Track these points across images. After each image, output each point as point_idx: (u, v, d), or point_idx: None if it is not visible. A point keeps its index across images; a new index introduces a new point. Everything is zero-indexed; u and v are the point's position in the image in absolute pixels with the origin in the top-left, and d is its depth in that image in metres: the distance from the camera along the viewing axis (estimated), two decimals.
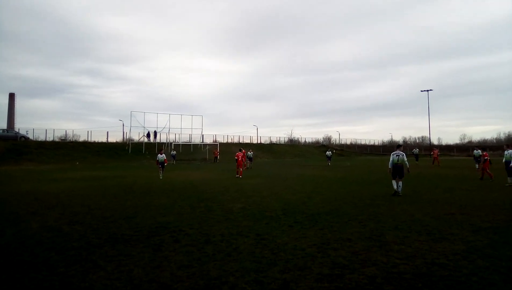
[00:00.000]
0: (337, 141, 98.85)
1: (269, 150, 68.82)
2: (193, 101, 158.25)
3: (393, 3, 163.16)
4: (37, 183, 18.04)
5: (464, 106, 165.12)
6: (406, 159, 12.44)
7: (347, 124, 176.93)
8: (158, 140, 56.40)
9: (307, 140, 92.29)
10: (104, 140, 55.10)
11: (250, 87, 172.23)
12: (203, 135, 60.98)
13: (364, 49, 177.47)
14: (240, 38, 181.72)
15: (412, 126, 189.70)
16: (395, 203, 10.59)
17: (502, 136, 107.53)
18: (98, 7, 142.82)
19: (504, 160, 15.65)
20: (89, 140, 54.15)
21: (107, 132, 55.89)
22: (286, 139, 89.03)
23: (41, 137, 50.91)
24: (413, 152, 44.49)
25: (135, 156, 48.54)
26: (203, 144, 58.68)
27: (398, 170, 12.35)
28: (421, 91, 68.14)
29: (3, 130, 48.25)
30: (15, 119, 72.57)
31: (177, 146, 53.19)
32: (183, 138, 58.67)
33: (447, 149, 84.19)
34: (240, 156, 22.79)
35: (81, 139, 56.41)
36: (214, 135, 67.07)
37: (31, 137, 49.89)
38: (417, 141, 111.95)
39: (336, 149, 79.64)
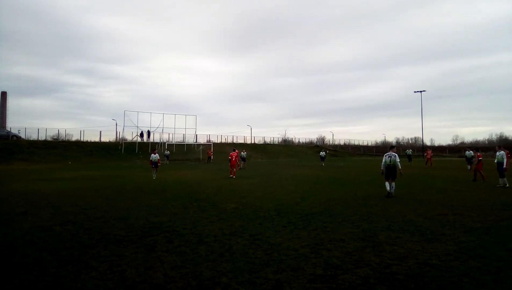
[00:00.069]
0: (331, 142, 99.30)
1: (263, 150, 68.88)
2: (187, 101, 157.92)
3: (387, 5, 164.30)
4: (29, 183, 17.85)
5: (457, 107, 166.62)
6: (398, 161, 12.42)
7: (341, 124, 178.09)
8: (151, 140, 56.20)
9: (301, 141, 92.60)
10: (97, 139, 54.85)
11: (245, 88, 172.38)
12: (196, 135, 60.91)
13: (358, 50, 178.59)
14: (235, 38, 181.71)
15: (405, 127, 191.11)
16: (388, 204, 10.65)
17: (494, 137, 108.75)
18: (92, 7, 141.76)
19: (495, 161, 15.82)
20: (82, 139, 53.92)
21: (100, 132, 55.65)
22: (280, 140, 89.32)
23: (33, 137, 50.53)
24: (406, 153, 44.77)
25: (128, 156, 48.31)
26: (196, 144, 58.54)
27: (391, 171, 12.37)
28: (415, 92, 68.76)
29: None
30: (6, 118, 71.88)
31: (170, 146, 53.02)
32: (177, 138, 58.56)
33: (439, 150, 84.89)
34: (234, 156, 22.76)
35: (74, 138, 56.18)
36: (208, 135, 67.09)
37: (23, 136, 49.44)
38: (410, 142, 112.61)
39: (329, 150, 79.94)
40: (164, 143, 52.88)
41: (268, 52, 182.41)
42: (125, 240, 6.56)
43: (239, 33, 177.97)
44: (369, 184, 16.83)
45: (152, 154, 22.20)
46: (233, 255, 5.60)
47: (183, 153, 53.37)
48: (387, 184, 12.32)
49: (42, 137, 50.95)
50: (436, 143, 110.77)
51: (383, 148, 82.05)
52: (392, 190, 12.23)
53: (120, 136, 56.26)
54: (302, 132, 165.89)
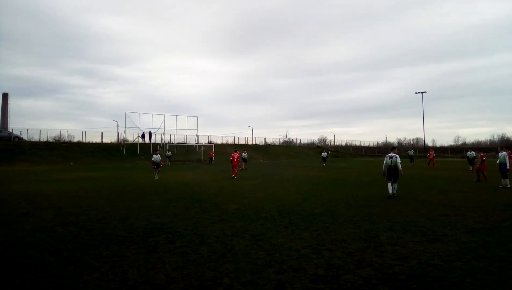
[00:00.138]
0: (332, 143, 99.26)
1: (264, 151, 68.89)
2: (188, 102, 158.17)
3: (387, 5, 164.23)
4: (31, 184, 17.88)
5: (458, 108, 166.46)
6: (399, 162, 12.36)
7: (342, 125, 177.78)
8: (153, 141, 56.24)
9: (302, 141, 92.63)
10: (98, 140, 54.98)
11: (246, 88, 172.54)
12: (198, 136, 61.01)
13: (358, 50, 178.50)
14: (235, 38, 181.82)
15: (407, 128, 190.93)
16: (390, 204, 10.63)
17: (496, 137, 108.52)
18: (92, 7, 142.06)
19: (498, 161, 15.79)
20: (84, 140, 53.93)
21: (102, 133, 55.91)
22: (281, 140, 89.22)
23: (35, 138, 50.61)
24: (408, 154, 44.74)
25: (129, 157, 48.36)
26: (198, 145, 58.58)
27: (392, 172, 12.32)
28: (416, 93, 68.77)
29: None
30: (8, 119, 71.96)
31: (172, 147, 53.04)
32: (178, 139, 58.58)
33: (441, 151, 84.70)
34: (235, 157, 22.77)
35: (75, 139, 56.15)
36: (209, 136, 67.16)
37: (24, 137, 49.51)
38: (412, 142, 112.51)
39: (331, 150, 79.88)
40: (166, 144, 52.92)
41: (268, 52, 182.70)
42: (127, 241, 6.56)
43: (239, 33, 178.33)
44: (370, 185, 16.81)
45: (154, 155, 22.28)
46: (235, 255, 5.60)
47: (184, 154, 53.44)
48: (389, 185, 12.26)
49: (43, 138, 51.13)
50: (438, 144, 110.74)
51: (384, 149, 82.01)
52: (394, 191, 12.20)
53: (122, 137, 56.39)
54: (303, 133, 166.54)
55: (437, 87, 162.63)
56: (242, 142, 73.05)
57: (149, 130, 55.46)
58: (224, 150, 55.73)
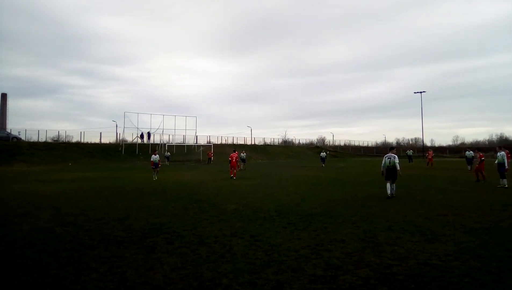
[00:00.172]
0: (331, 143, 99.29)
1: (263, 151, 68.91)
2: (188, 102, 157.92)
3: (387, 5, 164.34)
4: (29, 184, 17.85)
5: (457, 108, 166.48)
6: (398, 162, 12.34)
7: (342, 125, 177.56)
8: (151, 141, 56.21)
9: (301, 141, 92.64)
10: (97, 141, 54.85)
11: (245, 88, 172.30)
12: (197, 136, 60.95)
13: (358, 50, 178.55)
14: (235, 38, 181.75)
15: (407, 128, 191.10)
16: (388, 204, 10.65)
17: (494, 137, 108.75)
18: (92, 7, 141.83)
19: (496, 161, 15.81)
20: (82, 141, 53.87)
21: (100, 133, 55.65)
22: (280, 140, 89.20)
23: (33, 138, 50.49)
24: (407, 154, 44.82)
25: (128, 157, 48.32)
26: (197, 145, 58.54)
27: (391, 172, 12.32)
28: (415, 93, 68.96)
29: None
30: (7, 119, 71.82)
31: (171, 147, 52.98)
32: (177, 139, 58.60)
33: (439, 151, 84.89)
34: (234, 157, 22.76)
35: (74, 140, 56.09)
36: (208, 136, 67.19)
37: (23, 137, 49.37)
38: (410, 142, 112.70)
39: (330, 151, 79.94)
40: (164, 144, 52.88)
41: (268, 52, 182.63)
42: (126, 241, 6.56)
43: (239, 33, 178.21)
44: (369, 185, 16.83)
45: (153, 155, 22.25)
46: (233, 256, 5.60)
47: (183, 154, 53.39)
48: (388, 186, 12.26)
49: (42, 138, 50.98)
50: (437, 144, 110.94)
51: (383, 148, 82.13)
52: (393, 191, 12.21)
53: (120, 138, 56.34)
54: (302, 133, 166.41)
55: (437, 87, 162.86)
56: (241, 142, 73.06)
57: (147, 130, 55.50)
58: (223, 150, 55.73)
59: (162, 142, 55.24)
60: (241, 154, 33.40)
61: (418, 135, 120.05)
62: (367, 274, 4.73)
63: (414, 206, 10.35)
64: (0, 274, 4.86)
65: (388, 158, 12.47)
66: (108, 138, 58.38)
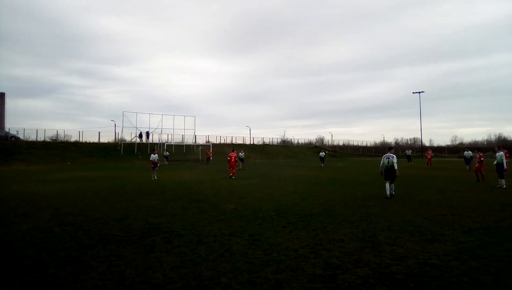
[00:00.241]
0: (330, 142, 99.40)
1: (262, 151, 68.92)
2: (188, 102, 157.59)
3: (387, 5, 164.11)
4: (28, 184, 17.83)
5: (456, 108, 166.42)
6: (396, 162, 12.34)
7: (342, 125, 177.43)
8: (150, 140, 56.18)
9: (300, 141, 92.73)
10: (96, 140, 54.82)
11: (244, 88, 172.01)
12: (196, 136, 61.03)
13: (358, 50, 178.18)
14: (235, 38, 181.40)
15: (406, 128, 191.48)
16: (388, 204, 10.66)
17: (493, 137, 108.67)
18: (92, 7, 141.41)
19: (495, 162, 15.84)
20: (81, 140, 53.83)
21: (99, 133, 55.60)
22: (279, 140, 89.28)
23: (32, 137, 50.48)
24: (406, 154, 44.86)
25: (127, 157, 48.27)
26: (196, 145, 58.56)
27: (389, 173, 12.32)
28: (413, 93, 68.97)
29: None
30: (5, 119, 71.51)
31: (169, 146, 53.02)
32: (176, 139, 58.59)
33: (438, 151, 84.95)
34: (233, 157, 22.75)
35: (73, 139, 56.06)
36: (207, 136, 67.18)
37: (21, 137, 49.30)
38: (409, 142, 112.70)
39: (329, 150, 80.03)
40: (163, 143, 52.87)
41: (268, 52, 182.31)
42: (124, 241, 6.55)
43: (239, 33, 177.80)
44: (368, 184, 16.84)
45: (152, 154, 22.23)
46: (232, 255, 5.60)
47: (182, 154, 53.36)
48: (387, 186, 12.25)
49: (40, 138, 51.00)
50: (435, 144, 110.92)
51: (382, 148, 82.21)
52: (392, 191, 12.22)
53: (119, 137, 56.32)
54: (301, 132, 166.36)
55: (437, 87, 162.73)
56: (240, 142, 73.07)
57: (146, 130, 55.47)
58: (221, 149, 55.73)
59: (160, 141, 55.22)
60: (240, 153, 33.36)
61: (417, 135, 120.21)
62: (366, 273, 4.73)
63: (413, 206, 10.37)
64: (0, 273, 4.86)
65: (387, 158, 12.48)
66: (107, 137, 58.44)
